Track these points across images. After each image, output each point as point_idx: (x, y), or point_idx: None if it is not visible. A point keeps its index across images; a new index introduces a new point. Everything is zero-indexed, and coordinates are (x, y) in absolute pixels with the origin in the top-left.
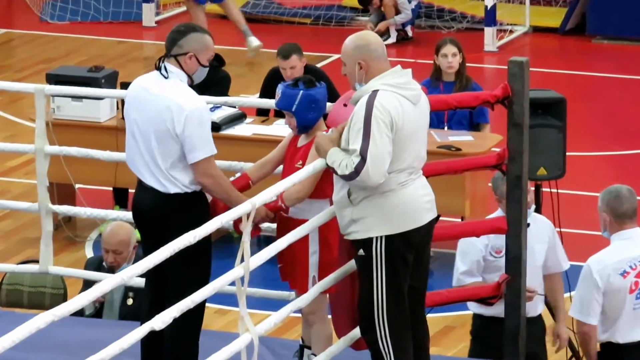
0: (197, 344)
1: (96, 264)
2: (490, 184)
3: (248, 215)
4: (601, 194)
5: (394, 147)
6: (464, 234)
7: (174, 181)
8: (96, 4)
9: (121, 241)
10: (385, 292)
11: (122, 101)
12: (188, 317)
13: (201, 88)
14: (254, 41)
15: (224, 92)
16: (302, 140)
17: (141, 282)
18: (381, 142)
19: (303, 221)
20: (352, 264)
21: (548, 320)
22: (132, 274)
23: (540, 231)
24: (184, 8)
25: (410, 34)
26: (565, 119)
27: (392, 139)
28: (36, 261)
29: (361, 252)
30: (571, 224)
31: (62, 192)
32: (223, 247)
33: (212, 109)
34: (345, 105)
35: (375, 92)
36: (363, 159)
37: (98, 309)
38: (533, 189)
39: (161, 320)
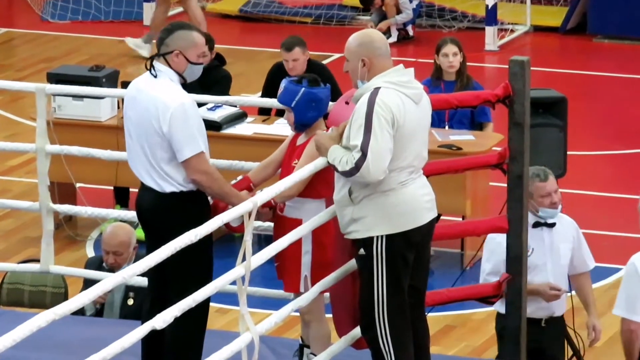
0: (200, 344)
1: (96, 264)
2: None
3: (250, 214)
4: None
5: (395, 145)
6: (464, 233)
7: (168, 179)
8: (97, 3)
9: (121, 242)
10: (386, 291)
11: (123, 100)
12: (190, 316)
13: (202, 87)
14: (143, 49)
15: (224, 91)
16: (301, 139)
17: (142, 281)
18: (382, 138)
19: (297, 220)
20: (352, 263)
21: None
22: (133, 272)
23: (565, 230)
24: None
25: (411, 33)
26: (566, 118)
27: (393, 136)
28: (37, 260)
29: (361, 251)
30: None
31: (63, 191)
32: (224, 246)
33: (213, 108)
34: (347, 103)
35: (377, 89)
36: (364, 154)
37: (99, 310)
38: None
39: (162, 320)
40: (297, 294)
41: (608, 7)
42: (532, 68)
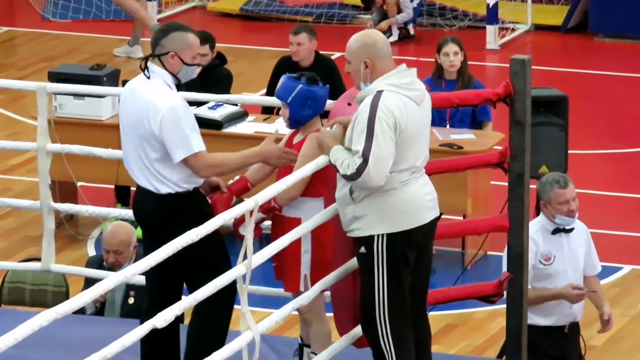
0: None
1: (97, 263)
2: (536, 187)
3: (251, 213)
4: None
5: (398, 148)
6: (465, 232)
7: (162, 180)
8: (98, 2)
9: (122, 241)
10: (387, 290)
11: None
12: (213, 312)
13: (203, 86)
14: (135, 52)
15: (225, 90)
16: (297, 138)
17: (143, 280)
18: (384, 145)
19: (296, 219)
20: (352, 262)
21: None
22: (135, 271)
23: (579, 234)
24: (185, 6)
25: (412, 32)
26: (567, 117)
27: (396, 140)
28: (38, 259)
29: (362, 249)
30: None
31: (64, 190)
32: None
33: (214, 107)
34: (349, 104)
35: (379, 92)
36: (365, 160)
37: (99, 309)
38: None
39: (163, 319)
40: (297, 293)
41: (609, 6)
42: (533, 67)
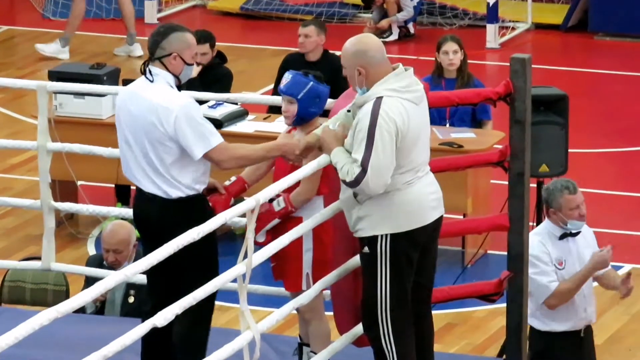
0: (205, 342)
1: (97, 262)
2: (543, 195)
3: (253, 211)
4: None
5: (400, 152)
6: (466, 231)
7: (173, 183)
8: (98, 1)
9: (121, 240)
10: (389, 289)
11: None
12: (196, 314)
13: (203, 85)
14: (134, 50)
15: (225, 89)
16: (296, 135)
17: (143, 279)
18: (384, 155)
19: (297, 218)
20: (353, 261)
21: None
22: (135, 271)
23: (585, 236)
24: (185, 5)
25: (412, 31)
26: (567, 116)
27: (398, 146)
28: (38, 258)
29: (366, 249)
30: None
31: (64, 189)
32: (225, 244)
33: (214, 106)
34: (349, 111)
35: (379, 99)
36: (364, 170)
37: (99, 308)
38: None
39: (163, 318)
40: (299, 292)
41: (609, 5)
42: (533, 66)
